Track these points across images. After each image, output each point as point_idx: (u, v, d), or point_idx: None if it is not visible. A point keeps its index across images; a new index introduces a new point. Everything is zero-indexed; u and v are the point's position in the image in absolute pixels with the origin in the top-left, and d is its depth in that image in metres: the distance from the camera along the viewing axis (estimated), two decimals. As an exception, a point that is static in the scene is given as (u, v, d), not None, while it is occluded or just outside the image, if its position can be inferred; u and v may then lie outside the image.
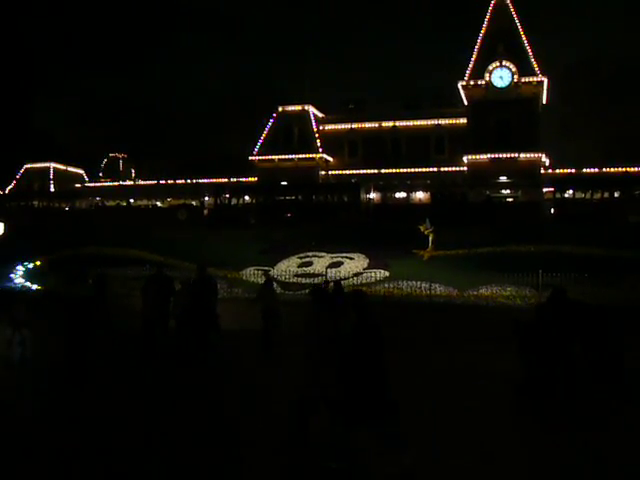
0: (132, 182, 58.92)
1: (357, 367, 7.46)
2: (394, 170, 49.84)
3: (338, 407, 7.69)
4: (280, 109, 53.14)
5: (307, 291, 18.32)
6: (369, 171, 50.35)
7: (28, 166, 60.55)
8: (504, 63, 46.65)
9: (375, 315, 7.83)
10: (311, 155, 51.44)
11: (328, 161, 52.35)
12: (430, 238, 28.84)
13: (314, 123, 52.57)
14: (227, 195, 47.17)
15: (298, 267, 28.49)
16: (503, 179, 45.94)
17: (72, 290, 14.73)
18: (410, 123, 51.53)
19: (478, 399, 11.33)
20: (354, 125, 52.90)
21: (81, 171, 63.18)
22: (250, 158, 52.89)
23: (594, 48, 68.02)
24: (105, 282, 13.73)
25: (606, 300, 19.60)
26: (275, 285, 26.21)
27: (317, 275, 26.79)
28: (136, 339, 15.55)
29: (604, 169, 45.38)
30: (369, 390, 7.35)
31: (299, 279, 26.87)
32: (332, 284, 18.76)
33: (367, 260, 28.25)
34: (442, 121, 50.87)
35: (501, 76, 46.90)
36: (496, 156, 45.89)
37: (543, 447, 8.75)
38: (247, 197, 47.10)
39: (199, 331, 15.30)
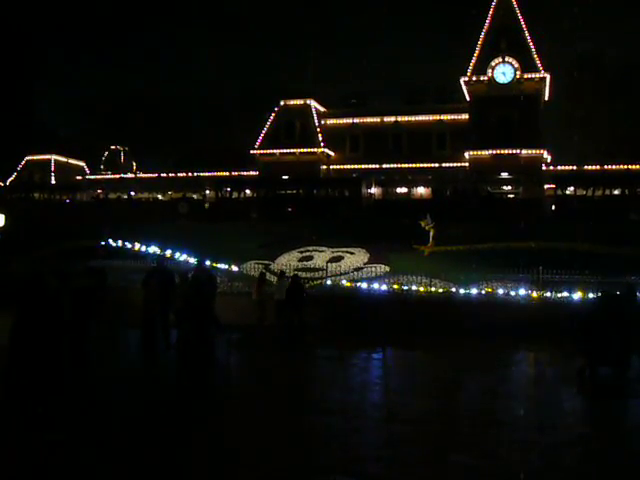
0: (133, 175, 58.87)
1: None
2: (395, 165, 49.80)
3: None
4: (282, 103, 53.09)
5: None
6: (370, 166, 50.32)
7: (29, 158, 60.45)
8: (507, 59, 46.55)
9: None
10: (313, 149, 51.40)
11: (329, 155, 52.32)
12: (431, 234, 28.80)
13: (316, 117, 52.52)
14: (228, 189, 47.18)
15: (298, 261, 28.41)
16: (505, 175, 45.90)
17: (72, 283, 14.67)
18: (412, 118, 51.47)
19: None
20: (356, 120, 52.83)
21: (82, 163, 63.05)
22: (252, 152, 52.84)
23: (597, 44, 67.86)
24: (105, 274, 13.75)
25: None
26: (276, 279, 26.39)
27: (318, 269, 26.73)
28: (136, 331, 15.58)
29: (606, 166, 45.30)
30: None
31: (299, 273, 26.80)
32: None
33: (368, 255, 28.17)
34: (444, 117, 50.82)
35: (503, 72, 46.80)
36: (498, 152, 45.83)
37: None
38: (248, 191, 47.10)
39: (198, 325, 15.33)
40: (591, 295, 19.26)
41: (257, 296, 19.61)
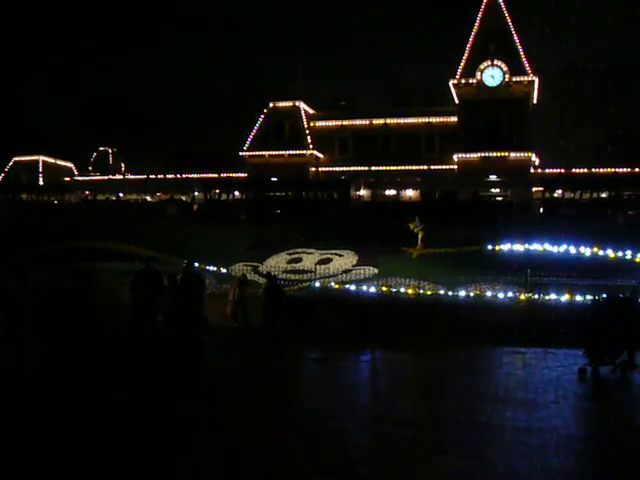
0: (122, 176, 58.63)
1: None
2: (384, 167, 49.82)
3: None
4: (271, 105, 53.08)
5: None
6: (359, 168, 50.30)
7: (17, 159, 60.05)
8: (495, 62, 46.74)
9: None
10: (301, 151, 51.39)
11: (318, 158, 52.31)
12: (419, 236, 28.86)
13: (305, 119, 52.53)
14: (217, 190, 47.11)
15: (287, 263, 28.43)
16: (493, 178, 46.04)
17: (60, 284, 14.63)
18: (401, 121, 51.57)
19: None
20: (345, 122, 52.86)
21: (70, 165, 62.75)
22: (240, 154, 52.79)
23: (584, 48, 68.20)
24: (93, 276, 13.71)
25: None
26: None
27: (306, 271, 26.74)
28: (124, 333, 15.54)
29: (593, 169, 45.54)
30: None
31: (288, 275, 26.79)
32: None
33: (356, 257, 28.22)
34: (433, 119, 50.94)
35: (492, 75, 46.98)
36: (486, 155, 45.99)
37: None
38: (237, 193, 47.06)
39: (186, 327, 15.33)
40: (579, 297, 19.35)
41: (232, 296, 19.78)
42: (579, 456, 8.45)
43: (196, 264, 22.40)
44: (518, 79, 46.55)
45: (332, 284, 24.07)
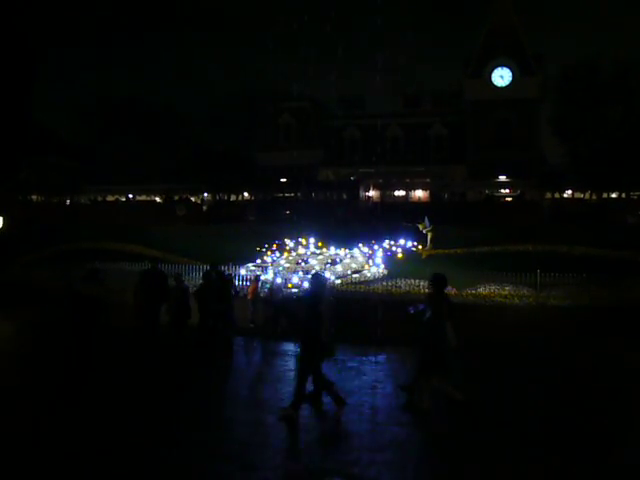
0: (131, 177, 58.69)
1: None
2: (393, 168, 49.74)
3: None
4: (280, 105, 53.08)
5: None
6: (368, 168, 50.25)
7: (27, 159, 60.15)
8: (505, 62, 46.66)
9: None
10: (310, 151, 51.37)
11: (327, 158, 52.25)
12: (429, 237, 28.82)
13: (314, 119, 52.50)
14: (226, 191, 47.22)
15: (296, 264, 28.38)
16: (502, 178, 45.94)
17: (71, 285, 14.64)
18: (410, 120, 51.48)
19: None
20: (354, 122, 52.83)
21: (80, 165, 62.85)
22: (249, 154, 52.83)
23: (594, 48, 67.91)
24: (98, 277, 13.76)
25: (605, 300, 19.72)
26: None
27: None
28: (131, 334, 15.63)
29: (603, 170, 45.28)
30: None
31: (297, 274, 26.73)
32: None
33: (365, 257, 28.15)
34: (442, 119, 50.85)
35: (501, 75, 46.94)
36: (496, 155, 45.88)
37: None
38: (246, 194, 47.15)
39: (215, 328, 15.58)
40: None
41: (252, 297, 19.92)
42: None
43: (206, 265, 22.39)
44: (527, 79, 46.46)
45: (340, 285, 24.04)
